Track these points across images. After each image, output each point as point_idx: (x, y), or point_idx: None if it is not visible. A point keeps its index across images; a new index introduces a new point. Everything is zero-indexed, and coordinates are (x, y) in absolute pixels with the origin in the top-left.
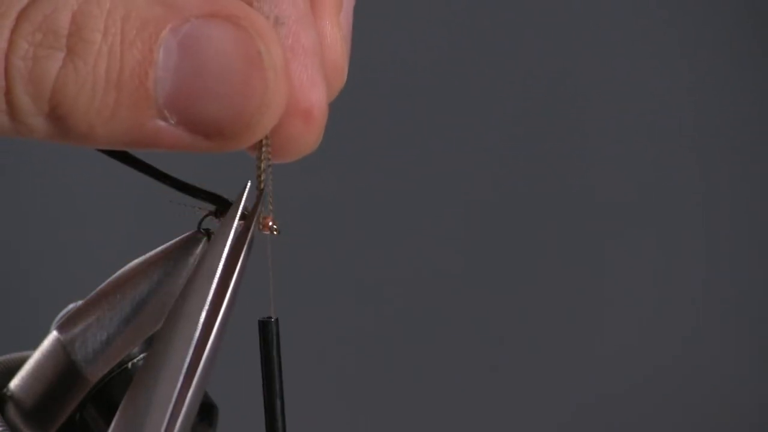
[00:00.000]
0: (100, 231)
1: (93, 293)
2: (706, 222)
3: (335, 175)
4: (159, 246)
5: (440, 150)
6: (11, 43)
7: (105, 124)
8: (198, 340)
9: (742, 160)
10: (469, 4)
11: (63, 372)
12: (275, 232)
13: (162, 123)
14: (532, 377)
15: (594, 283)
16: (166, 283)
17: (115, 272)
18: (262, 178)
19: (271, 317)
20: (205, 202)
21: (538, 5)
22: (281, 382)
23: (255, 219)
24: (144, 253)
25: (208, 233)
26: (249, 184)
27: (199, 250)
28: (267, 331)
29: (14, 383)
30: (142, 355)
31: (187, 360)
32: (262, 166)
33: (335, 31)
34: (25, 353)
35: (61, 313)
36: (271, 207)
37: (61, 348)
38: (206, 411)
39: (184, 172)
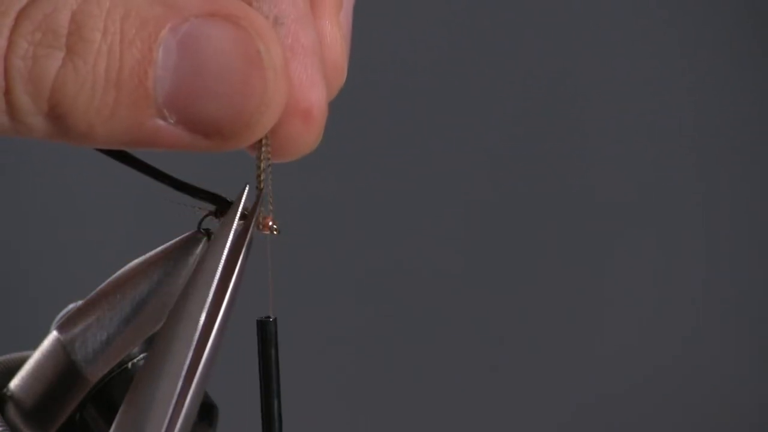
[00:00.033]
0: (99, 231)
1: (93, 293)
2: (706, 222)
3: (335, 174)
4: (159, 246)
5: (440, 150)
6: (11, 42)
7: (104, 123)
8: (198, 340)
9: (742, 160)
10: (469, 4)
11: (63, 372)
12: (275, 232)
13: (161, 122)
14: (532, 377)
15: (594, 283)
16: (166, 283)
17: (115, 272)
18: (262, 178)
19: (269, 317)
20: (204, 202)
21: (538, 5)
22: (278, 382)
23: (254, 219)
24: (144, 253)
25: (208, 233)
26: (248, 184)
27: (199, 250)
28: (265, 330)
29: (14, 383)
30: (142, 355)
31: (188, 360)
32: (262, 165)
33: (335, 31)
34: (25, 353)
35: (61, 313)
36: (270, 207)
37: (61, 348)
38: (206, 411)
39: (183, 171)
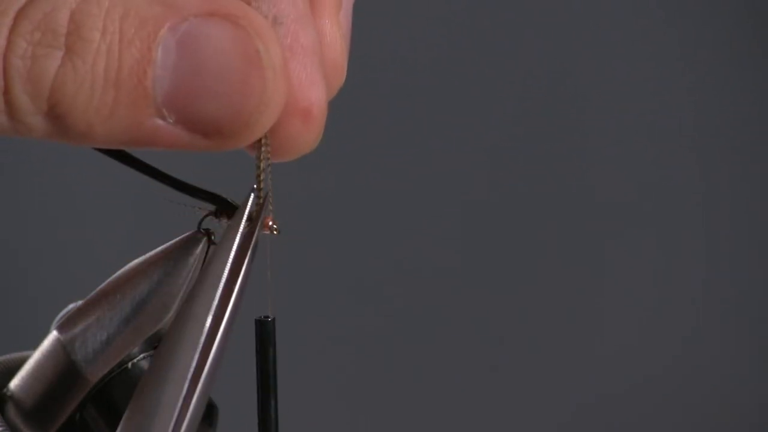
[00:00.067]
0: (99, 230)
1: (93, 293)
2: (706, 222)
3: (334, 174)
4: (159, 246)
5: (440, 150)
6: (10, 42)
7: (103, 122)
8: (204, 343)
9: (741, 159)
10: (469, 3)
11: (63, 372)
12: (275, 232)
13: (160, 122)
14: (532, 377)
15: (594, 283)
16: (166, 283)
17: (115, 272)
18: (262, 178)
19: (268, 316)
20: (204, 202)
21: (537, 5)
22: (276, 382)
23: (259, 223)
24: (144, 253)
25: (208, 233)
26: (254, 187)
27: (199, 250)
28: (264, 330)
29: (14, 383)
30: (142, 355)
31: (194, 363)
32: (262, 165)
33: (335, 30)
34: (25, 353)
35: (61, 313)
36: (270, 207)
37: (61, 348)
38: (206, 411)
39: (183, 171)
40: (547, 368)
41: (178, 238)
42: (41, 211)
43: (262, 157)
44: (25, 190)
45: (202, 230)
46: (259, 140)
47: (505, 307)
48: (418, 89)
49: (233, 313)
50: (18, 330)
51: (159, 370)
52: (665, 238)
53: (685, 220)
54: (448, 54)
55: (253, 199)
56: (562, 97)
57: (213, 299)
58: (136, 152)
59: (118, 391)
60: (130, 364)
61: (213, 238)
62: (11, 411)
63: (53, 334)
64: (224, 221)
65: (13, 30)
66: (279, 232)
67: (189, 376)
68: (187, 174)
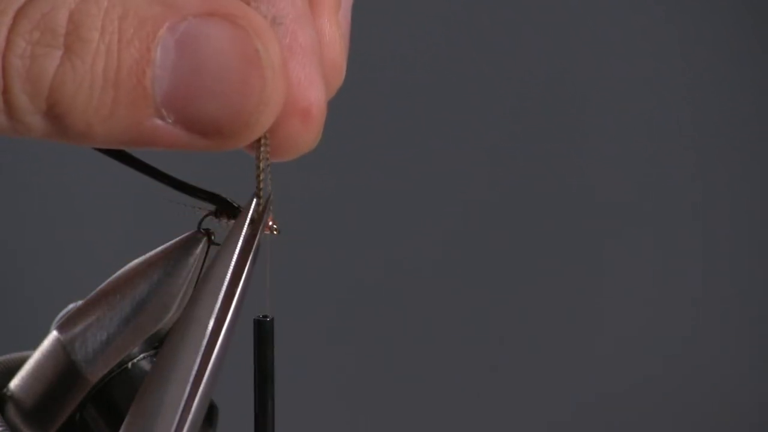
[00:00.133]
0: (98, 231)
1: (93, 293)
2: (706, 221)
3: (334, 173)
4: (159, 246)
5: (439, 149)
6: (9, 41)
7: (103, 122)
8: (206, 346)
9: (740, 158)
10: (468, 2)
11: (63, 372)
12: (275, 232)
13: (159, 122)
14: (532, 377)
15: (593, 282)
16: (166, 283)
17: (114, 272)
18: (261, 178)
19: (267, 316)
20: (204, 202)
21: (536, 4)
22: (273, 382)
23: (261, 226)
24: (144, 253)
25: (208, 233)
26: (256, 192)
27: (199, 250)
28: (262, 330)
29: (14, 383)
30: (142, 355)
31: (196, 366)
32: (261, 165)
33: (334, 30)
34: (25, 353)
35: (61, 313)
36: (271, 207)
37: (61, 348)
38: (207, 411)
39: (183, 171)
40: (547, 368)
41: (178, 238)
42: (40, 211)
43: (261, 156)
44: (24, 190)
45: (202, 230)
46: (259, 140)
47: (505, 307)
48: (418, 88)
49: (235, 317)
50: (18, 330)
51: (161, 373)
52: (664, 237)
53: (684, 219)
54: (447, 53)
55: (255, 202)
56: (560, 95)
57: (215, 303)
58: (136, 152)
59: (118, 391)
60: (130, 364)
61: (213, 238)
62: (11, 411)
63: (53, 334)
64: (224, 221)
65: (12, 29)
66: (279, 232)
67: (191, 378)
68: (187, 174)
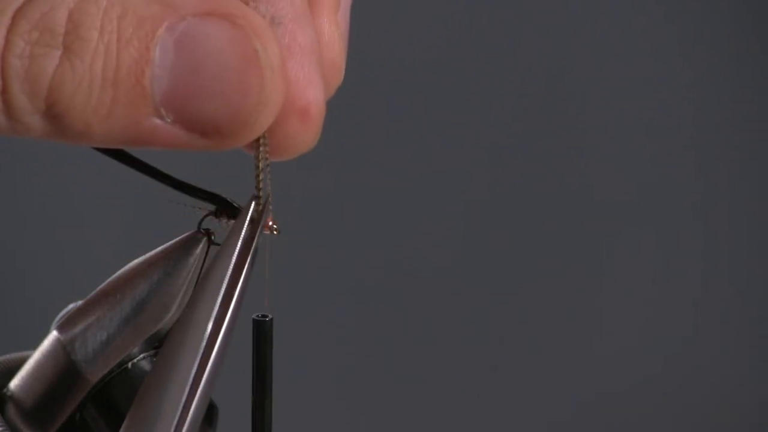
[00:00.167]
0: (98, 230)
1: (93, 293)
2: (705, 221)
3: (333, 173)
4: (158, 246)
5: (439, 148)
6: (8, 41)
7: (102, 122)
8: (205, 349)
9: (740, 158)
10: (467, 2)
11: (63, 372)
12: (275, 232)
13: (158, 121)
14: (532, 377)
15: (593, 282)
16: (166, 283)
17: (114, 272)
18: (261, 177)
19: (266, 316)
20: (204, 202)
21: (536, 3)
22: (271, 382)
23: (260, 228)
24: (144, 253)
25: (208, 233)
26: (255, 193)
27: (199, 250)
28: (261, 330)
29: (14, 383)
30: (142, 355)
31: (194, 369)
32: (261, 165)
33: (333, 29)
34: (25, 353)
35: (61, 313)
36: (270, 207)
37: (61, 348)
38: (207, 411)
39: (182, 171)
40: (547, 368)
41: (178, 238)
42: (40, 211)
43: (260, 156)
44: (24, 190)
45: (202, 230)
46: (258, 139)
47: (505, 307)
48: (417, 88)
49: (233, 318)
50: (18, 330)
51: (160, 375)
52: (664, 236)
53: (684, 219)
54: (447, 52)
55: (255, 202)
56: (560, 95)
57: (214, 305)
58: (136, 152)
59: (118, 391)
60: (130, 364)
61: (213, 238)
62: (11, 411)
63: (53, 334)
64: (224, 221)
65: (11, 29)
66: (279, 232)
67: (190, 381)
68: (187, 174)
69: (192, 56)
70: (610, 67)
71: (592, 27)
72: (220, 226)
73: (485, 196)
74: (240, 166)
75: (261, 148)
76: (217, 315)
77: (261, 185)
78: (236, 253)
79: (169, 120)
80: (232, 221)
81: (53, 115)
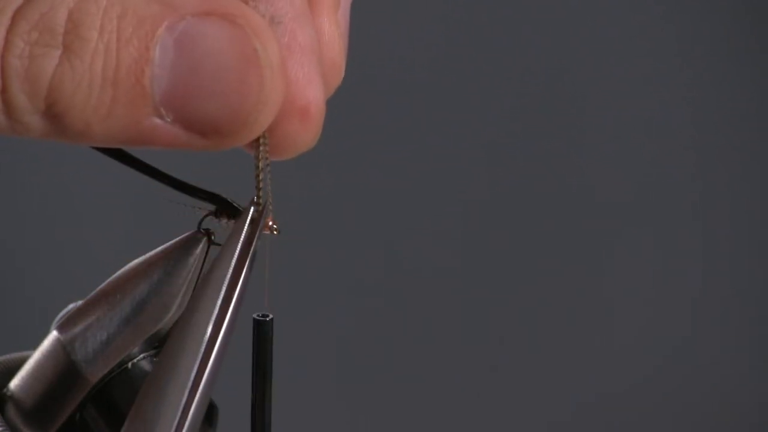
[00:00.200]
0: (98, 230)
1: (93, 293)
2: (705, 221)
3: (333, 172)
4: (159, 246)
5: (438, 148)
6: (7, 41)
7: (101, 121)
8: (204, 352)
9: (740, 157)
10: (467, 1)
11: (63, 372)
12: (275, 232)
13: (158, 121)
14: (532, 377)
15: (593, 282)
16: (166, 283)
17: (114, 272)
18: (261, 177)
19: (266, 315)
20: (204, 202)
21: (535, 3)
22: (271, 382)
23: (259, 231)
24: (144, 253)
25: (208, 233)
26: (255, 198)
27: (199, 250)
28: (261, 329)
29: (14, 383)
30: (142, 355)
31: (194, 372)
32: (261, 164)
33: (333, 29)
34: (25, 353)
35: (61, 313)
36: (270, 207)
37: (61, 348)
38: (207, 411)
39: (182, 171)
40: (547, 368)
41: (178, 238)
42: (40, 210)
43: (260, 156)
44: (24, 190)
45: (202, 230)
46: (257, 139)
47: (505, 307)
48: (417, 87)
49: (232, 322)
50: (18, 330)
51: (160, 378)
52: (664, 236)
53: (684, 219)
54: (446, 52)
55: (254, 206)
56: (559, 94)
57: (214, 308)
58: (136, 152)
59: (118, 391)
60: (130, 364)
61: (213, 238)
62: (11, 411)
63: (53, 334)
64: (224, 221)
65: (10, 29)
66: (279, 232)
67: (189, 383)
68: (187, 174)
69: (192, 56)
70: (609, 66)
71: (591, 26)
72: (220, 226)
73: (485, 196)
74: (240, 166)
75: (261, 148)
76: (216, 318)
77: (261, 185)
78: (236, 255)
79: (168, 120)
80: (232, 221)
81: (53, 114)
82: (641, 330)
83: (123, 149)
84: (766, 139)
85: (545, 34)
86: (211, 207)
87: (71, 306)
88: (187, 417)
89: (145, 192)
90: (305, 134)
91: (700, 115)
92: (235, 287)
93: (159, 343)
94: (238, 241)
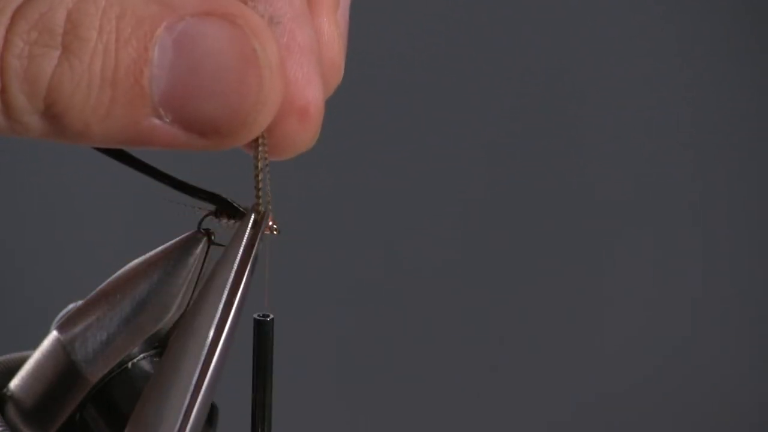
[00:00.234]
0: (98, 230)
1: (93, 293)
2: (705, 221)
3: (332, 172)
4: (159, 246)
5: (438, 148)
6: (7, 41)
7: (100, 122)
8: (206, 356)
9: (740, 157)
10: (466, 1)
11: (63, 372)
12: (275, 232)
13: (157, 121)
14: (532, 377)
15: (593, 282)
16: (166, 283)
17: (114, 272)
18: (260, 177)
19: (267, 315)
20: (204, 202)
21: (534, 2)
22: (271, 382)
23: (260, 235)
24: (144, 253)
25: (208, 233)
26: (254, 208)
27: (198, 250)
28: (262, 329)
29: (14, 383)
30: (142, 355)
31: (196, 375)
32: (260, 164)
33: (332, 29)
34: (25, 353)
35: (61, 313)
36: (270, 206)
37: (61, 348)
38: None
39: (182, 171)
40: (547, 368)
41: (178, 238)
42: (40, 211)
43: (259, 156)
44: (23, 190)
45: (202, 230)
46: (257, 139)
47: (505, 307)
48: (416, 87)
49: (233, 326)
50: (18, 330)
51: (162, 382)
52: (664, 236)
53: (684, 219)
54: (446, 51)
55: (255, 209)
56: (559, 94)
57: (215, 312)
58: (136, 152)
59: (118, 391)
60: (130, 364)
61: (213, 238)
62: (11, 411)
63: (53, 334)
64: (224, 221)
65: (9, 29)
66: (279, 232)
67: (191, 387)
68: (187, 174)
69: (191, 56)
70: (609, 66)
71: (591, 26)
72: (220, 226)
73: (485, 196)
74: (240, 166)
75: (260, 148)
76: (218, 322)
77: (260, 185)
78: (238, 259)
79: (167, 120)
80: (232, 221)
81: (52, 115)
82: (641, 330)
83: (123, 149)
84: (766, 139)
85: (545, 34)
86: (211, 207)
87: (71, 306)
88: (188, 421)
89: (145, 192)
90: (304, 134)
91: (700, 115)
92: (237, 291)
93: (159, 343)
94: (239, 245)
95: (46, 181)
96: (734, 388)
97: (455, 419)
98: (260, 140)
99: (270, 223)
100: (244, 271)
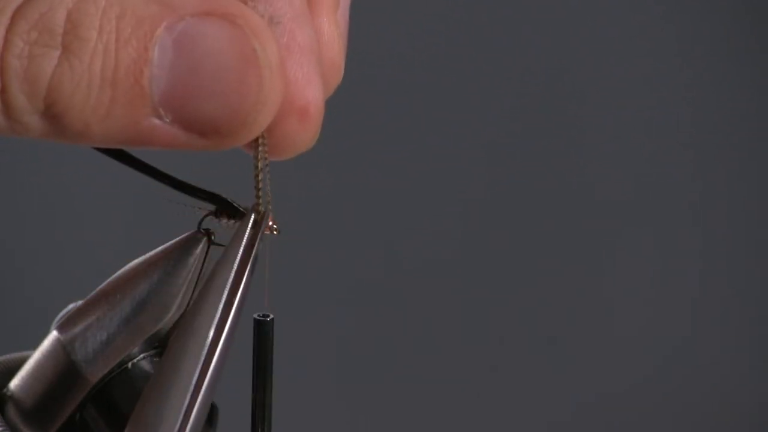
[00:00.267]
0: (98, 230)
1: (93, 293)
2: (705, 220)
3: (332, 172)
4: (159, 246)
5: (438, 147)
6: (6, 41)
7: (100, 122)
8: (206, 356)
9: (739, 157)
10: (466, 1)
11: (63, 372)
12: (275, 232)
13: (157, 121)
14: (532, 377)
15: (593, 282)
16: (166, 283)
17: (114, 272)
18: (260, 177)
19: (267, 315)
20: (204, 202)
21: (534, 2)
22: (271, 381)
23: (260, 236)
24: (144, 253)
25: (208, 233)
26: (253, 210)
27: (198, 250)
28: (262, 329)
29: (14, 383)
30: (142, 355)
31: (196, 375)
32: (260, 164)
33: (332, 29)
34: (25, 353)
35: (61, 313)
36: (270, 206)
37: (61, 348)
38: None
39: (182, 171)
40: (547, 368)
41: (178, 238)
42: (40, 211)
43: (259, 156)
44: (23, 190)
45: (202, 230)
46: (257, 139)
47: (505, 307)
48: (416, 87)
49: (233, 327)
50: (18, 330)
51: (162, 382)
52: (664, 236)
53: (684, 219)
54: (446, 51)
55: (255, 209)
56: (559, 94)
57: (215, 313)
58: (136, 152)
59: (118, 391)
60: (130, 364)
61: (213, 238)
62: (11, 411)
63: (53, 334)
64: (224, 221)
65: (9, 29)
66: (279, 232)
67: (191, 388)
68: (187, 174)
69: (191, 56)
70: (609, 66)
71: (591, 26)
72: (220, 226)
73: (485, 196)
74: (240, 166)
75: (260, 148)
76: (218, 322)
77: (260, 185)
78: (238, 259)
79: (167, 120)
80: (232, 221)
81: (52, 115)
82: (641, 330)
83: (123, 149)
84: (766, 139)
85: (545, 34)
86: (211, 207)
87: (71, 306)
88: (188, 421)
89: (145, 192)
90: (304, 134)
91: (700, 115)
92: (237, 291)
93: (159, 343)
94: (239, 245)
95: (46, 181)
96: (734, 388)
97: (455, 419)
98: (260, 140)
99: (270, 223)
100: (244, 271)
